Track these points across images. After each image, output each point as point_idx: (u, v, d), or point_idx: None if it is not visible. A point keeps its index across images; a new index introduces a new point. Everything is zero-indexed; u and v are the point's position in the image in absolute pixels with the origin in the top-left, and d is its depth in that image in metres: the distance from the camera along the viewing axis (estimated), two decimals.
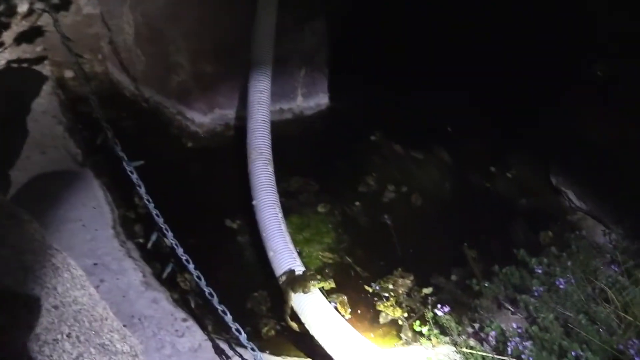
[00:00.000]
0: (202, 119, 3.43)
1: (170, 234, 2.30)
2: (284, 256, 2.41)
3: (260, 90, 2.99)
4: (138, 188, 2.51)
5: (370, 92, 3.85)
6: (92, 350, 1.47)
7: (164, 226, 2.33)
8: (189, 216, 2.98)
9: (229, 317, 1.98)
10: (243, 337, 1.93)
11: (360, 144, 3.53)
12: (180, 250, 2.22)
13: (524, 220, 3.19)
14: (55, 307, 1.52)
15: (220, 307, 1.99)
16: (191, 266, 2.17)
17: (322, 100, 3.70)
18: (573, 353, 2.14)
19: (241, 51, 3.21)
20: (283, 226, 2.56)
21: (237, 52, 3.25)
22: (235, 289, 2.67)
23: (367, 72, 3.93)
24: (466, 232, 3.10)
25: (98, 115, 2.86)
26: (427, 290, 2.77)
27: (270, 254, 2.47)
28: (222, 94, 3.40)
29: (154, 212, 2.39)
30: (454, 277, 2.86)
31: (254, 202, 2.67)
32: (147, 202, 2.45)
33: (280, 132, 3.47)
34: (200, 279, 2.11)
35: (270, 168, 2.77)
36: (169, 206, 2.97)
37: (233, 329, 1.93)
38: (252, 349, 1.91)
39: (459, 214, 3.22)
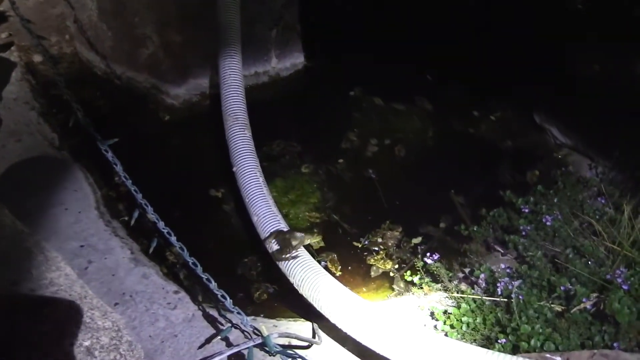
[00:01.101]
0: (176, 90, 3.36)
1: (150, 209, 2.28)
2: (268, 219, 2.39)
3: (231, 55, 2.92)
4: (114, 166, 2.47)
5: (347, 47, 3.77)
6: (73, 329, 1.47)
7: (142, 201, 2.30)
8: (173, 189, 2.97)
9: (213, 285, 1.97)
10: (228, 302, 1.93)
11: (340, 100, 3.48)
12: (161, 224, 2.20)
13: (510, 162, 3.17)
14: (32, 290, 1.51)
15: (204, 276, 1.98)
16: (173, 238, 2.15)
17: (297, 59, 3.62)
18: (562, 288, 2.15)
19: (208, 17, 3.12)
20: (265, 190, 2.53)
21: (204, 18, 3.16)
22: (225, 257, 2.67)
23: (341, 26, 3.86)
24: (452, 178, 3.07)
25: (67, 96, 2.80)
26: (416, 240, 2.76)
27: (254, 219, 2.45)
28: (194, 63, 3.32)
29: (132, 188, 2.36)
30: (442, 225, 2.84)
31: (234, 169, 2.63)
32: (124, 180, 2.41)
33: (258, 96, 3.43)
34: (183, 249, 2.09)
35: (248, 133, 2.72)
36: (151, 181, 2.94)
37: (219, 296, 1.92)
38: (238, 313, 1.91)
39: (444, 162, 3.19)
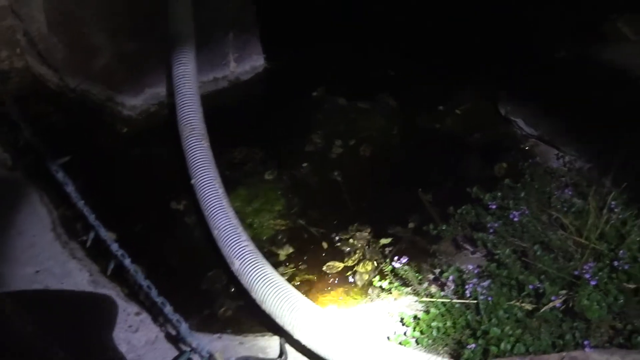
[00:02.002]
0: (133, 101, 3.26)
1: (103, 230, 2.18)
2: (229, 233, 2.31)
3: (184, 62, 2.83)
4: (65, 187, 2.37)
5: (309, 46, 3.71)
6: None
7: (95, 223, 2.21)
8: (133, 204, 2.89)
9: (168, 309, 1.89)
10: (184, 328, 1.84)
11: (302, 102, 3.41)
12: (114, 246, 2.11)
13: (477, 156, 3.11)
14: None
15: (159, 300, 1.89)
16: (127, 261, 2.06)
17: (257, 62, 3.53)
18: (531, 286, 2.10)
19: (161, 23, 3.02)
20: (225, 202, 2.45)
21: (157, 24, 3.05)
22: (188, 272, 2.59)
23: (300, 26, 3.79)
24: (420, 176, 3.01)
25: (13, 114, 2.68)
26: (385, 241, 2.70)
27: (215, 232, 2.37)
28: (149, 72, 3.22)
29: (84, 209, 2.26)
30: (411, 225, 2.77)
31: (192, 182, 2.55)
32: (76, 200, 2.31)
33: (218, 102, 3.35)
34: (137, 272, 2.01)
35: (205, 143, 2.64)
36: (111, 197, 2.89)
37: (174, 321, 1.84)
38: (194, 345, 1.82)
39: (411, 159, 3.12)
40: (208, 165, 2.55)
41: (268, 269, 2.19)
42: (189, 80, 2.79)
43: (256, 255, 2.23)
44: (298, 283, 2.53)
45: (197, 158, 2.56)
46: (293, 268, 2.61)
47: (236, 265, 2.23)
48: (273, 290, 2.09)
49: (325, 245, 2.69)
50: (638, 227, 2.25)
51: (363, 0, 3.85)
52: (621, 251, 2.13)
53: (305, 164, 3.03)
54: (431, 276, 2.46)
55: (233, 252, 2.26)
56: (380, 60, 3.64)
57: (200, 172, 2.52)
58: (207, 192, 2.45)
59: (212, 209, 2.40)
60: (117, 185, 3.00)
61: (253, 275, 2.16)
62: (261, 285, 2.12)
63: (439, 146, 3.20)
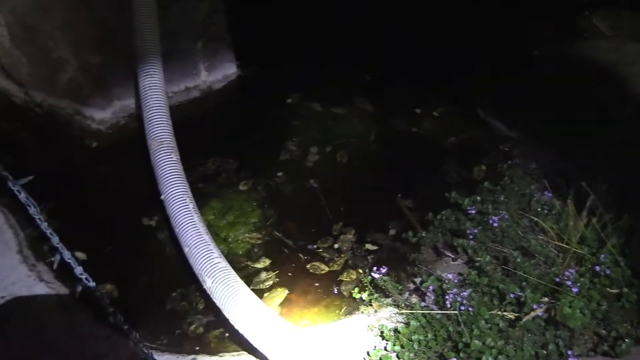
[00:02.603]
0: (102, 114, 3.15)
1: (66, 253, 2.08)
2: (200, 250, 2.22)
3: (150, 74, 2.73)
4: (27, 208, 2.26)
5: (282, 52, 3.64)
6: None
7: (59, 245, 2.10)
8: (104, 221, 2.79)
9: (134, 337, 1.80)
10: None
11: (277, 109, 3.33)
12: (78, 270, 2.01)
13: (456, 159, 3.05)
14: None
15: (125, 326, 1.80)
16: (92, 284, 1.96)
17: (229, 70, 3.45)
18: (512, 295, 2.04)
19: (127, 34, 2.92)
20: (196, 217, 2.36)
21: (122, 36, 2.95)
22: (160, 290, 2.49)
23: (274, 32, 3.71)
24: (398, 181, 2.95)
25: None
26: (370, 247, 2.63)
27: (186, 250, 2.28)
28: (117, 84, 3.11)
29: (47, 231, 2.16)
30: (391, 232, 2.72)
31: (162, 197, 2.46)
32: (39, 222, 2.21)
33: (190, 112, 3.27)
34: (103, 299, 1.92)
35: (175, 157, 2.54)
36: (80, 214, 2.79)
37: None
38: None
39: (389, 164, 3.07)
40: (178, 179, 2.46)
41: (241, 287, 2.10)
42: (156, 93, 2.70)
43: (228, 273, 2.15)
44: (278, 298, 2.45)
45: (166, 172, 2.47)
46: (271, 282, 2.53)
47: (208, 283, 2.15)
48: (246, 310, 2.01)
49: (302, 256, 2.61)
50: (618, 229, 2.20)
51: (338, 5, 3.78)
52: (602, 255, 2.08)
53: (280, 173, 2.96)
54: (412, 286, 2.40)
55: (204, 270, 2.18)
56: (357, 65, 3.58)
57: (169, 187, 2.43)
58: (177, 207, 2.36)
59: (182, 225, 2.31)
60: (87, 202, 2.90)
61: (225, 293, 2.07)
62: (233, 304, 2.03)
63: (417, 150, 3.15)
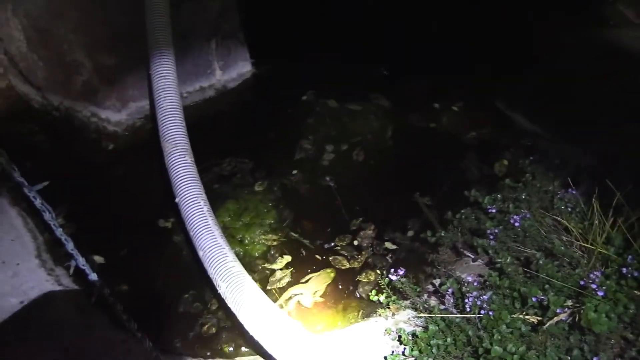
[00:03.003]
0: (117, 116, 3.15)
1: (80, 260, 2.08)
2: (214, 254, 2.19)
3: (164, 75, 2.70)
4: (42, 214, 2.27)
5: (297, 48, 3.58)
6: None
7: (73, 252, 2.11)
8: (121, 224, 2.79)
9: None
10: None
11: (292, 107, 3.29)
12: (93, 276, 2.01)
13: (476, 154, 2.97)
14: None
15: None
16: (106, 291, 1.96)
17: (244, 68, 3.41)
18: (534, 299, 1.97)
19: (140, 35, 2.90)
20: (210, 220, 2.33)
21: (135, 37, 2.94)
22: (175, 294, 2.48)
23: (289, 28, 3.66)
24: (417, 179, 2.89)
25: None
26: (390, 245, 2.59)
27: (200, 253, 2.26)
28: (131, 86, 3.11)
29: (62, 237, 2.16)
30: (410, 232, 2.66)
31: (176, 200, 2.44)
32: (54, 229, 2.21)
33: (206, 112, 3.25)
34: (116, 304, 1.91)
35: (189, 159, 2.52)
36: (97, 216, 2.79)
37: None
38: None
39: (407, 161, 3.00)
40: (192, 182, 2.43)
41: (255, 291, 2.07)
42: (169, 94, 2.67)
43: (243, 278, 2.12)
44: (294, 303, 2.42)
45: (181, 175, 2.45)
46: (287, 279, 2.50)
47: (222, 288, 2.12)
48: (259, 315, 1.98)
49: (319, 257, 2.57)
50: None
51: (352, 1, 3.72)
52: (629, 256, 1.99)
53: (295, 172, 2.91)
54: (431, 288, 2.35)
55: (219, 274, 2.15)
56: (373, 59, 3.51)
57: (183, 190, 2.40)
58: (191, 211, 2.34)
59: (196, 228, 2.29)
60: (104, 204, 2.90)
61: (239, 298, 2.05)
62: (247, 309, 2.01)
63: (435, 146, 3.08)
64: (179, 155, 2.53)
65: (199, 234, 2.28)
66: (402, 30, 3.64)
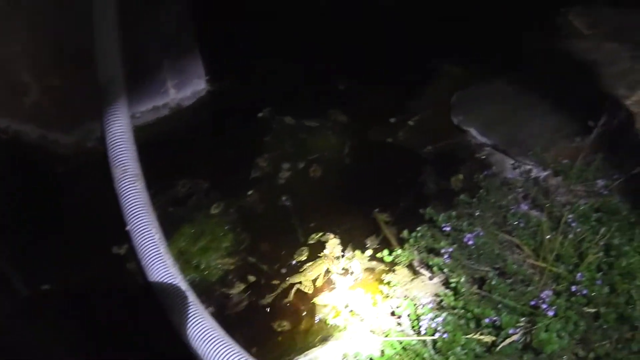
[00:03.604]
0: (67, 138, 3.07)
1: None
2: (165, 285, 2.15)
3: (113, 97, 2.65)
4: None
5: (253, 65, 3.56)
6: None
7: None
8: (73, 251, 2.70)
9: None
10: None
11: (248, 124, 3.25)
12: None
13: (432, 169, 2.98)
14: None
15: None
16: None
17: (199, 86, 3.36)
18: (487, 320, 1.98)
19: (89, 55, 2.83)
20: (162, 248, 2.29)
21: (85, 57, 2.86)
22: (129, 326, 2.41)
23: (245, 45, 3.64)
24: (375, 195, 2.87)
25: None
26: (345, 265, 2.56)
27: (153, 283, 2.21)
28: (82, 107, 3.01)
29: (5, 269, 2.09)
30: (368, 251, 2.64)
31: (127, 228, 2.38)
32: None
33: (159, 132, 3.20)
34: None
35: (139, 184, 2.47)
36: (49, 243, 2.71)
37: None
38: None
39: (365, 177, 2.98)
40: (143, 209, 2.39)
41: (207, 322, 2.04)
42: (118, 115, 2.62)
43: (195, 309, 2.08)
44: (249, 326, 2.38)
45: (131, 202, 2.40)
46: (245, 306, 2.46)
47: (175, 320, 2.08)
48: (214, 348, 1.95)
49: (276, 281, 2.54)
50: (596, 244, 2.14)
51: (308, 14, 3.70)
52: (579, 274, 2.02)
53: (250, 192, 2.88)
54: (388, 309, 2.33)
55: (172, 305, 2.11)
56: (329, 74, 3.50)
57: (134, 217, 2.35)
58: (142, 239, 2.29)
59: (148, 258, 2.24)
60: (55, 230, 2.82)
61: (191, 330, 2.01)
62: (200, 342, 1.97)
63: (393, 161, 3.08)
64: (129, 180, 2.47)
65: (151, 264, 2.24)
66: (359, 44, 3.64)
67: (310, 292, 2.45)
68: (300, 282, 2.47)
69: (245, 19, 3.64)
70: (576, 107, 2.91)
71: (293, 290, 2.46)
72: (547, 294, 1.96)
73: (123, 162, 2.51)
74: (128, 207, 2.39)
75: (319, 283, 2.48)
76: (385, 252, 2.55)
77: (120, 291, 2.55)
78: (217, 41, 3.50)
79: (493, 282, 2.10)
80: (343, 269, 2.58)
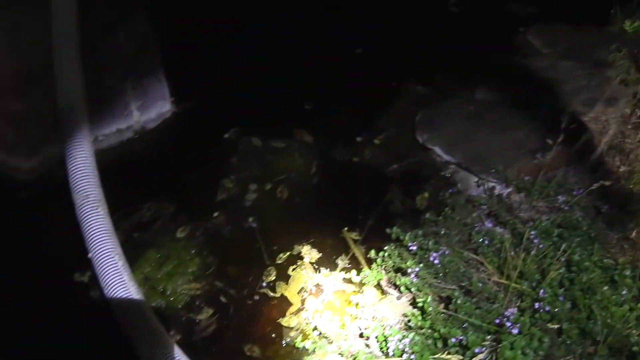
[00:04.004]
0: (28, 163, 3.00)
1: None
2: (130, 315, 2.11)
3: (73, 120, 2.59)
4: None
5: (219, 86, 3.55)
6: None
7: None
8: (34, 279, 2.63)
9: None
10: None
11: (214, 145, 3.22)
12: None
13: (398, 187, 3.00)
14: None
15: None
16: None
17: (163, 108, 3.32)
18: (453, 339, 1.99)
19: (50, 78, 2.78)
20: (125, 276, 2.24)
21: (45, 80, 2.81)
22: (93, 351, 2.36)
23: (210, 65, 3.63)
24: (343, 214, 2.88)
25: None
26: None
27: (116, 312, 2.17)
28: (42, 130, 2.95)
29: None
30: (337, 270, 2.64)
31: (89, 256, 2.33)
32: None
33: (123, 155, 3.15)
34: None
35: (101, 210, 2.41)
36: (9, 272, 2.64)
37: None
38: None
39: (332, 197, 2.99)
40: (105, 236, 2.33)
41: (174, 350, 2.00)
42: (79, 140, 2.55)
43: (162, 337, 2.05)
44: (219, 351, 2.35)
45: (93, 229, 2.34)
46: (213, 331, 2.43)
47: (140, 350, 2.04)
48: None
49: (245, 302, 2.51)
50: (557, 260, 2.19)
51: (271, 36, 3.72)
52: (541, 290, 2.05)
53: (216, 214, 2.85)
54: (357, 331, 2.33)
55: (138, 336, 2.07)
56: (294, 94, 3.52)
57: (96, 245, 2.30)
58: (104, 268, 2.24)
59: (111, 287, 2.19)
60: (15, 258, 2.74)
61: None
62: None
63: (359, 180, 3.09)
64: (91, 207, 2.42)
65: (114, 293, 2.19)
66: (324, 64, 3.67)
67: (295, 304, 2.46)
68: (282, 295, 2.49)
69: (210, 40, 3.62)
70: (536, 124, 2.98)
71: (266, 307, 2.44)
72: (511, 311, 1.98)
73: (84, 187, 2.45)
74: (90, 234, 2.33)
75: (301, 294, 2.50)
76: (354, 272, 2.55)
77: (82, 319, 2.49)
78: (182, 62, 3.48)
79: (459, 301, 2.11)
80: (315, 285, 2.57)
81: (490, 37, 3.96)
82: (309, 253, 2.68)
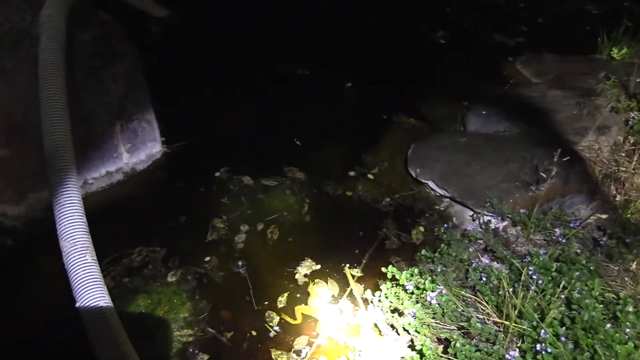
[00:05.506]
0: (15, 209, 2.94)
1: None
2: None
3: (60, 168, 2.55)
4: None
5: (210, 125, 3.53)
6: None
7: None
8: (23, 328, 2.56)
9: None
10: None
11: (205, 185, 3.17)
12: None
13: (394, 222, 2.96)
14: None
15: None
16: None
17: (153, 149, 3.29)
18: None
19: (36, 124, 2.74)
20: (115, 329, 2.17)
21: (31, 125, 2.78)
22: None
23: (200, 105, 3.62)
24: (338, 252, 2.83)
25: None
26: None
27: None
28: (29, 177, 2.91)
29: None
30: (335, 311, 2.57)
31: (77, 305, 2.26)
32: None
33: (113, 197, 3.10)
34: None
35: (89, 257, 2.35)
36: None
37: None
38: None
39: (327, 234, 2.94)
40: (93, 285, 2.26)
41: None
42: (67, 187, 2.51)
43: None
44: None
45: (81, 278, 2.27)
46: None
47: None
48: None
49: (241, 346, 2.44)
50: (557, 297, 2.13)
51: (260, 74, 3.73)
52: (542, 331, 1.99)
53: (208, 258, 2.79)
54: None
55: None
56: (286, 131, 3.49)
57: (83, 295, 2.23)
58: (92, 320, 2.16)
59: (99, 340, 2.12)
60: (3, 307, 2.67)
61: None
62: None
63: (353, 215, 3.04)
64: (79, 254, 2.36)
65: (102, 346, 2.12)
66: (312, 97, 3.66)
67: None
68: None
69: (200, 81, 3.62)
70: (529, 155, 2.95)
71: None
72: (512, 354, 1.92)
73: (72, 234, 2.40)
74: (76, 284, 2.27)
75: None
76: (351, 313, 2.49)
77: None
78: (172, 103, 3.47)
79: (457, 345, 2.05)
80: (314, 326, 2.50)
81: (480, 68, 3.97)
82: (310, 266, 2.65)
